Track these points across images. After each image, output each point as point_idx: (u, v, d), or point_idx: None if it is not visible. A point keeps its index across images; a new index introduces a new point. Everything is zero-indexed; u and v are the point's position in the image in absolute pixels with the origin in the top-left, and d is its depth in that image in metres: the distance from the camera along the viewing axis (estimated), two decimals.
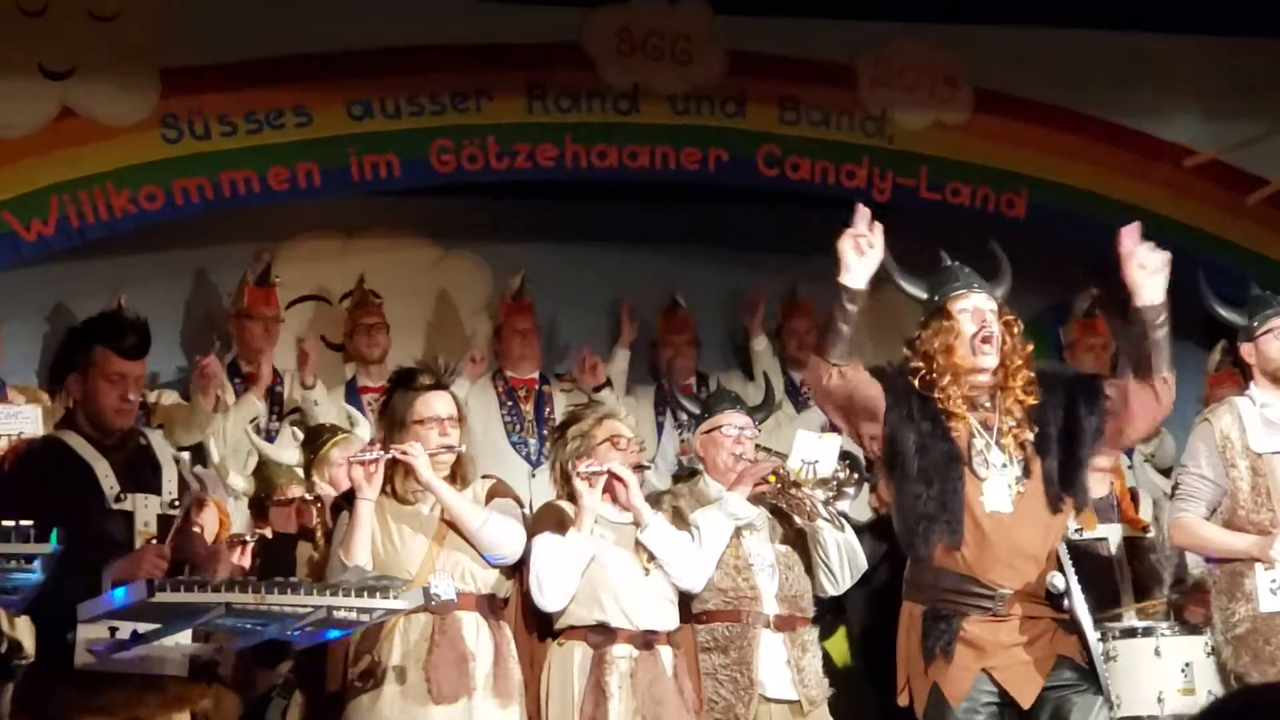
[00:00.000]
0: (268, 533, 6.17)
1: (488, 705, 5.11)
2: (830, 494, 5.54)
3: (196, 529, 5.09)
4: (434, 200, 8.49)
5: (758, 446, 5.89)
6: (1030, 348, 4.93)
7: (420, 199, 8.44)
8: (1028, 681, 4.79)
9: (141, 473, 4.89)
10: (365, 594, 4.47)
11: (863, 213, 4.71)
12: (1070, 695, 4.80)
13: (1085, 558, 5.94)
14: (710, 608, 5.59)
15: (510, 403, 7.93)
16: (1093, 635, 4.86)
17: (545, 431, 7.81)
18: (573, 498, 5.42)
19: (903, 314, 5.28)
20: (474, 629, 5.15)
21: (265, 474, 6.68)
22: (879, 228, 4.72)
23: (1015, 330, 4.92)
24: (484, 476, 5.44)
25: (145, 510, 4.81)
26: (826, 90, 8.40)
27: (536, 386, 8.00)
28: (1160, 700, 5.76)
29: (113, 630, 4.49)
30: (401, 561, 5.13)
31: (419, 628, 5.11)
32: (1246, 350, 5.71)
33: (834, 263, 4.75)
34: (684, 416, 8.02)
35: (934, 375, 4.84)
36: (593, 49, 8.20)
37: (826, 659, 5.87)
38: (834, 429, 7.02)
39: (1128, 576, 6.45)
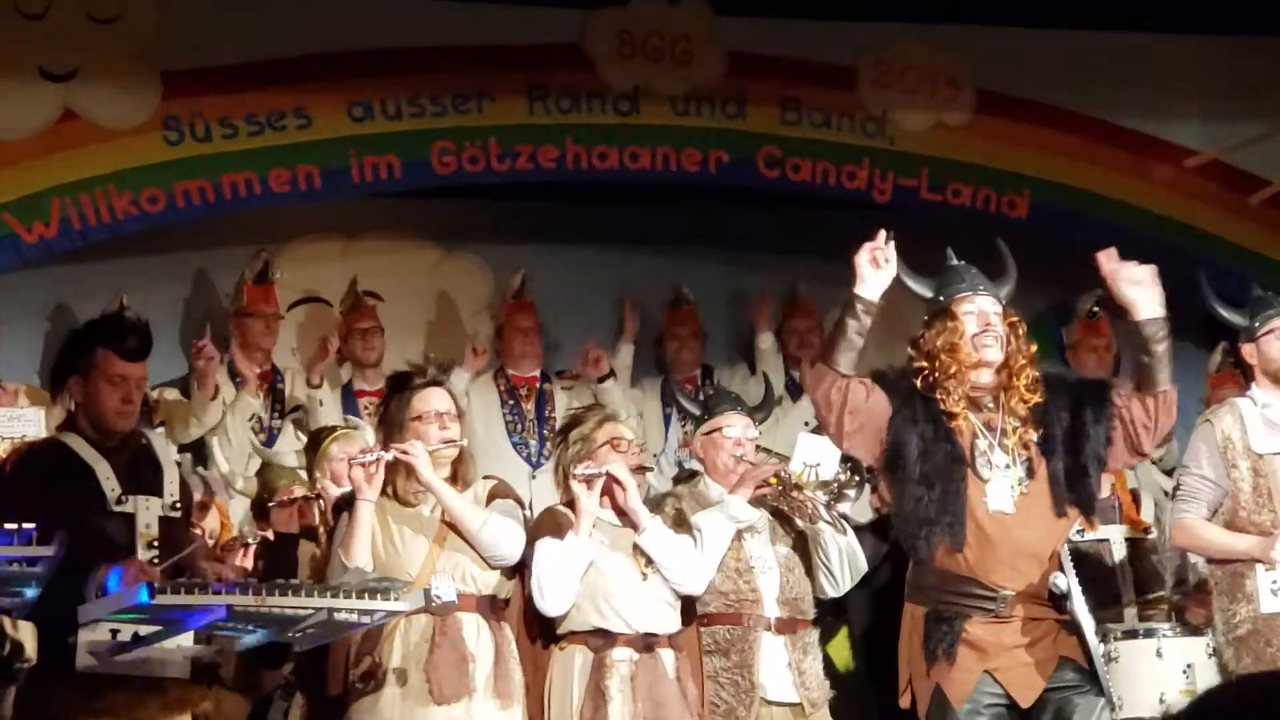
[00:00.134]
0: (269, 534, 6.17)
1: (488, 706, 5.11)
2: (831, 496, 5.54)
3: (197, 532, 5.09)
4: (435, 202, 8.50)
5: (758, 448, 5.89)
6: (1034, 348, 4.94)
7: (421, 200, 8.45)
8: (1029, 683, 4.79)
9: (143, 475, 4.89)
10: (366, 596, 4.47)
11: (883, 234, 4.73)
12: (1072, 696, 4.81)
13: (1086, 559, 5.94)
14: (711, 610, 5.59)
15: (511, 401, 7.93)
16: (1093, 637, 4.86)
17: (546, 431, 7.81)
18: (574, 501, 5.43)
19: (908, 313, 5.27)
20: (474, 630, 5.16)
21: (266, 475, 6.69)
22: (893, 244, 4.74)
23: (1020, 331, 4.92)
24: (485, 477, 5.44)
25: (146, 512, 4.81)
26: (827, 91, 8.41)
27: (538, 385, 8.01)
28: (1162, 701, 5.75)
29: (114, 632, 4.49)
30: (402, 563, 5.12)
31: (419, 629, 5.11)
32: (1248, 351, 5.71)
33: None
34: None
35: (937, 375, 4.84)
36: (593, 50, 8.20)
37: (828, 661, 5.87)
38: None
39: (1129, 578, 6.44)
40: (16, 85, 7.57)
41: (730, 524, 5.58)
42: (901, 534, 4.92)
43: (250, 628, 4.48)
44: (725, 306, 8.78)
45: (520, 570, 5.35)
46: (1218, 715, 2.38)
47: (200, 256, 8.33)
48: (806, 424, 6.74)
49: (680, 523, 5.59)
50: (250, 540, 6.09)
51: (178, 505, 4.90)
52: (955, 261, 5.02)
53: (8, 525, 4.14)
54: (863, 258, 4.73)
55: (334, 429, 6.41)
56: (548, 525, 5.42)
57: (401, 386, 5.31)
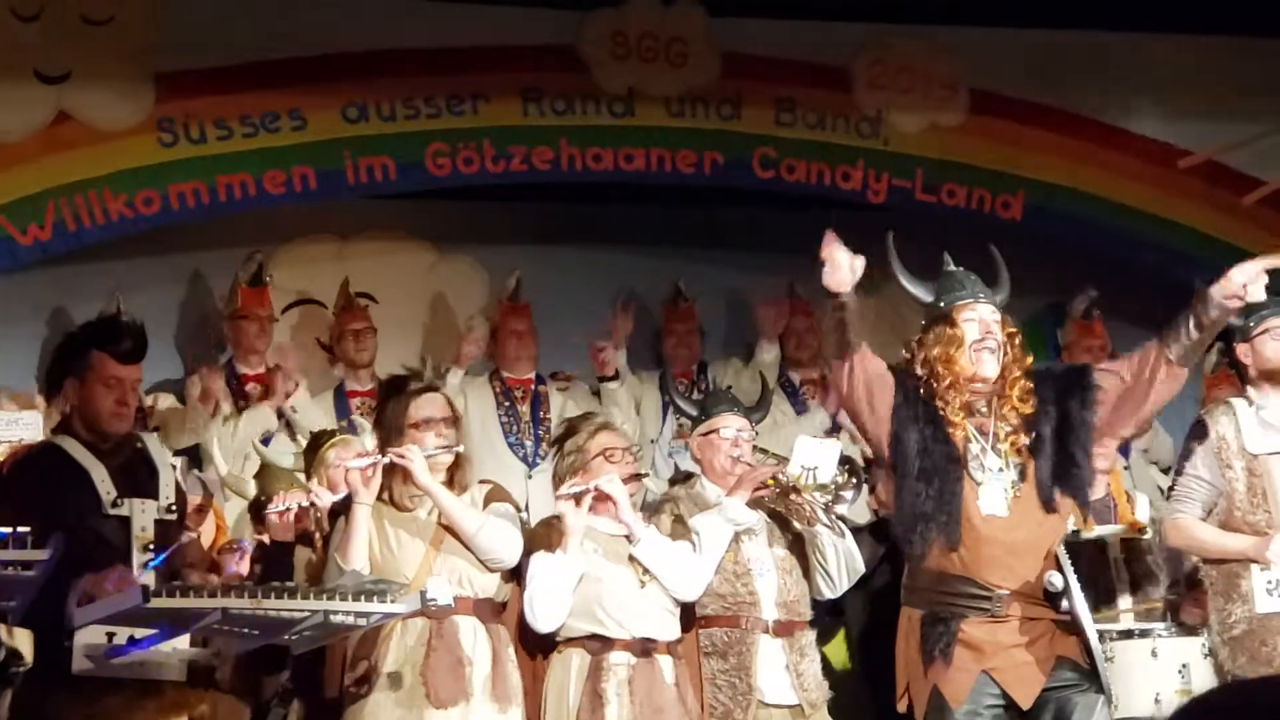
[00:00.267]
0: (265, 538, 6.17)
1: (485, 709, 5.11)
2: (828, 498, 5.54)
3: (192, 534, 5.09)
4: (430, 203, 8.49)
5: (755, 448, 5.89)
6: (1030, 359, 4.95)
7: (416, 202, 8.44)
8: (1028, 682, 4.80)
9: (139, 477, 4.89)
10: (362, 598, 4.47)
11: (829, 239, 4.69)
12: (1071, 695, 4.81)
13: (1082, 559, 5.94)
14: (709, 613, 5.58)
15: (507, 403, 7.93)
16: (1093, 633, 4.86)
17: (541, 432, 7.81)
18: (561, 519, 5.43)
19: (908, 313, 5.26)
20: (471, 633, 5.16)
21: (265, 479, 6.68)
22: (859, 260, 4.68)
23: (1017, 341, 4.93)
24: (481, 481, 5.44)
25: (142, 515, 4.80)
26: (822, 92, 8.40)
27: (533, 387, 8.00)
28: (1157, 701, 5.76)
29: (110, 635, 4.49)
30: (398, 566, 5.13)
31: (416, 632, 5.11)
32: (1243, 351, 5.71)
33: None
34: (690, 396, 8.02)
35: (935, 383, 4.85)
36: (588, 52, 8.20)
37: (825, 663, 5.87)
38: (834, 432, 7.05)
39: (1125, 577, 6.45)
40: (11, 87, 7.56)
41: (728, 526, 5.58)
42: (898, 530, 4.93)
43: (246, 630, 4.48)
44: (723, 307, 8.78)
45: (517, 574, 5.35)
46: (1214, 716, 2.39)
47: (195, 258, 8.32)
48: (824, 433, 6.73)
49: (679, 529, 5.58)
50: (246, 543, 6.08)
51: (173, 508, 4.90)
52: (953, 267, 5.02)
53: (3, 529, 4.14)
54: (825, 270, 4.68)
55: (333, 434, 6.40)
56: (543, 539, 5.42)
57: (398, 391, 5.31)
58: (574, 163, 8.22)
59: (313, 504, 5.72)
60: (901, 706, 4.92)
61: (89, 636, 4.52)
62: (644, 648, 5.34)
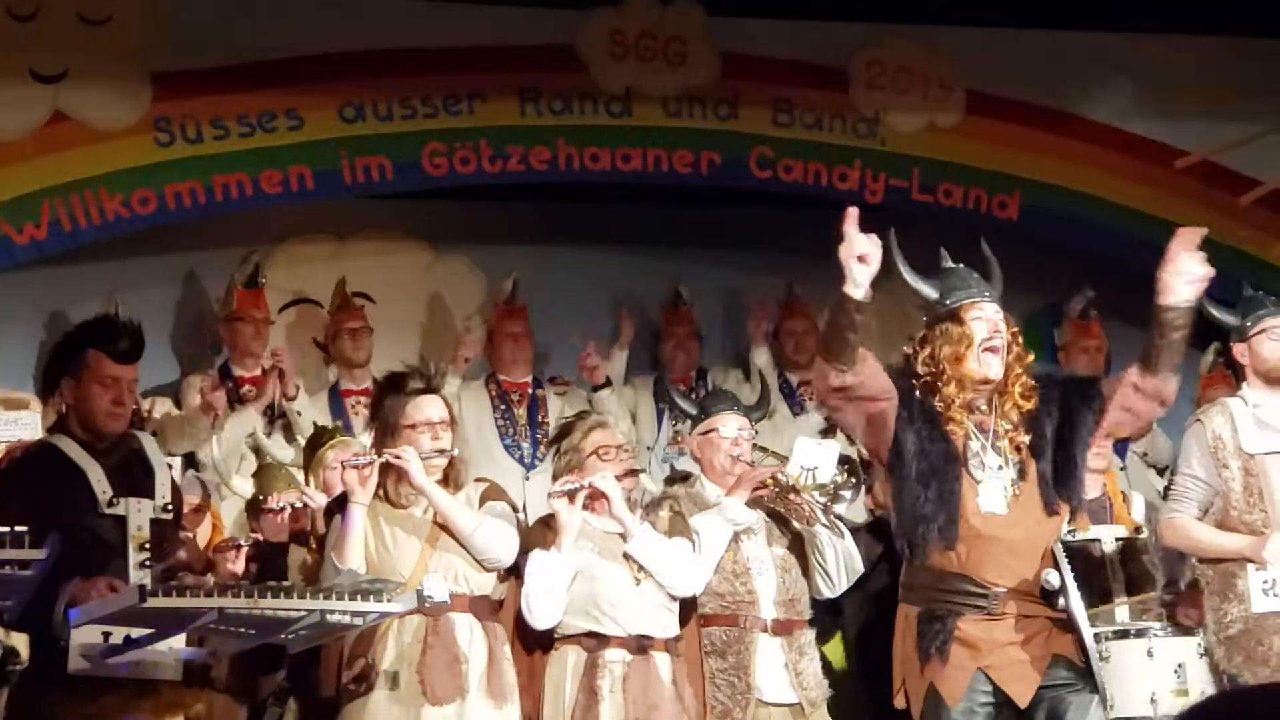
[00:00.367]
0: (261, 537, 6.17)
1: (481, 706, 5.12)
2: (827, 498, 5.55)
3: (188, 535, 5.08)
4: (426, 203, 8.49)
5: (755, 446, 5.89)
6: (1031, 357, 4.95)
7: (413, 202, 8.44)
8: (1024, 680, 4.80)
9: (134, 477, 4.88)
10: (358, 597, 4.47)
11: (851, 214, 4.67)
12: (1066, 694, 4.81)
13: (1078, 559, 5.92)
14: (708, 612, 5.60)
15: (503, 406, 7.92)
16: (1088, 633, 4.86)
17: (540, 435, 7.81)
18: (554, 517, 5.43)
19: (911, 310, 5.26)
20: (467, 631, 5.16)
21: (263, 477, 6.68)
22: (875, 236, 4.68)
23: (1019, 339, 4.94)
24: (477, 480, 5.45)
25: (138, 514, 4.80)
26: (819, 92, 8.41)
27: (529, 390, 8.00)
28: (1153, 701, 5.74)
29: (106, 635, 4.49)
30: (394, 564, 5.13)
31: (412, 630, 5.11)
32: (1239, 350, 5.71)
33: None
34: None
35: (938, 381, 4.84)
36: (585, 51, 8.19)
37: (824, 662, 5.87)
38: (831, 433, 7.05)
39: (1120, 578, 6.43)
40: (7, 86, 7.55)
41: (727, 526, 5.59)
42: (897, 531, 4.93)
43: (242, 629, 4.48)
44: (720, 308, 8.77)
45: (514, 571, 5.36)
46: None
47: (192, 258, 8.31)
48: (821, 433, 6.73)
49: (676, 525, 5.59)
50: (242, 542, 6.09)
51: (169, 507, 4.90)
52: (953, 264, 5.01)
53: (0, 528, 4.14)
54: (847, 260, 4.66)
55: (333, 434, 6.40)
56: (539, 538, 5.43)
57: (396, 390, 5.31)
58: (571, 163, 8.21)
59: (306, 504, 5.73)
60: (898, 703, 4.93)
61: (85, 636, 4.51)
62: (640, 645, 5.35)
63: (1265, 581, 5.47)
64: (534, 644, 5.43)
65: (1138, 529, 6.52)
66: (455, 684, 5.08)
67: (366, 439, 6.18)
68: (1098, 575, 6.27)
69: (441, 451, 5.21)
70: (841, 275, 4.67)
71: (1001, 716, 4.83)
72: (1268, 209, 8.71)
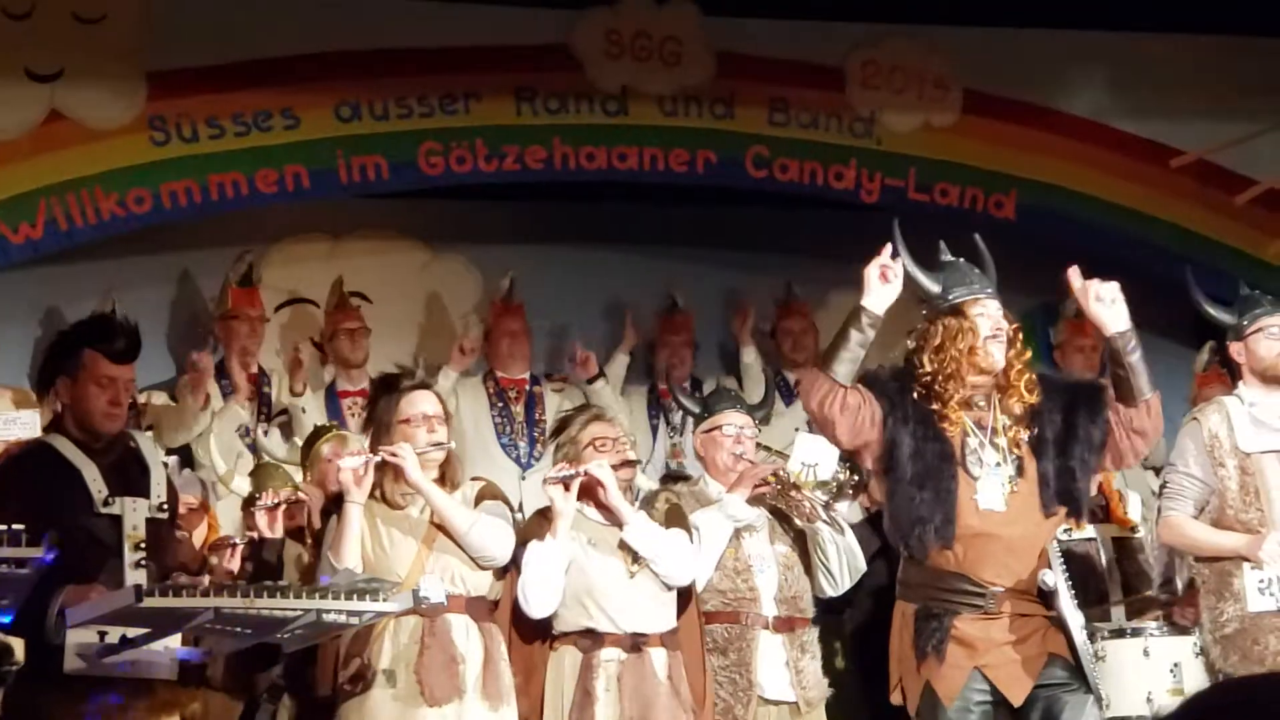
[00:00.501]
0: (256, 535, 6.16)
1: (478, 707, 5.11)
2: (829, 495, 5.56)
3: (184, 534, 5.08)
4: (423, 202, 8.48)
5: (758, 445, 5.89)
6: (1029, 353, 4.95)
7: (409, 201, 8.43)
8: (1019, 680, 4.80)
9: (130, 476, 4.88)
10: (354, 597, 4.47)
11: (889, 247, 4.74)
12: (1061, 694, 4.81)
13: (1074, 558, 5.94)
14: (709, 609, 5.60)
15: (501, 404, 7.92)
16: (1080, 634, 4.86)
17: (536, 433, 7.80)
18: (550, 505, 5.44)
19: (914, 308, 5.26)
20: (464, 631, 5.16)
21: (259, 476, 6.68)
22: (900, 260, 4.74)
23: (1019, 335, 4.94)
24: (473, 479, 5.44)
25: (134, 514, 4.79)
26: (815, 92, 8.40)
27: (527, 388, 7.99)
28: (1149, 700, 5.76)
29: (102, 635, 4.48)
30: (391, 565, 5.12)
31: (408, 630, 5.11)
32: (1236, 349, 5.72)
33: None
34: (676, 420, 8.01)
35: (943, 377, 4.83)
36: (581, 51, 8.19)
37: (825, 660, 5.87)
38: None
39: (1116, 576, 6.45)
40: (2, 85, 7.54)
41: (728, 523, 5.60)
42: (894, 534, 4.92)
43: (238, 629, 4.47)
44: (718, 307, 8.76)
45: (510, 571, 5.35)
46: (1209, 716, 2.39)
47: (187, 257, 8.30)
48: (797, 429, 6.73)
49: (673, 515, 5.59)
50: (238, 541, 6.08)
51: (164, 506, 4.89)
52: (950, 256, 5.01)
53: None
54: (872, 271, 4.73)
55: (329, 429, 6.40)
56: (535, 529, 5.43)
57: (389, 389, 5.32)
58: (567, 162, 8.21)
59: (301, 500, 5.73)
60: (895, 699, 4.93)
61: (81, 636, 4.51)
62: (634, 642, 5.35)
63: (1261, 580, 5.47)
64: (531, 645, 5.42)
65: (1134, 528, 6.53)
66: (452, 685, 5.07)
67: (363, 439, 6.19)
68: (1094, 574, 6.29)
69: (438, 445, 5.21)
70: (858, 286, 4.70)
71: (997, 715, 4.83)
72: (1263, 208, 8.71)
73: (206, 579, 5.17)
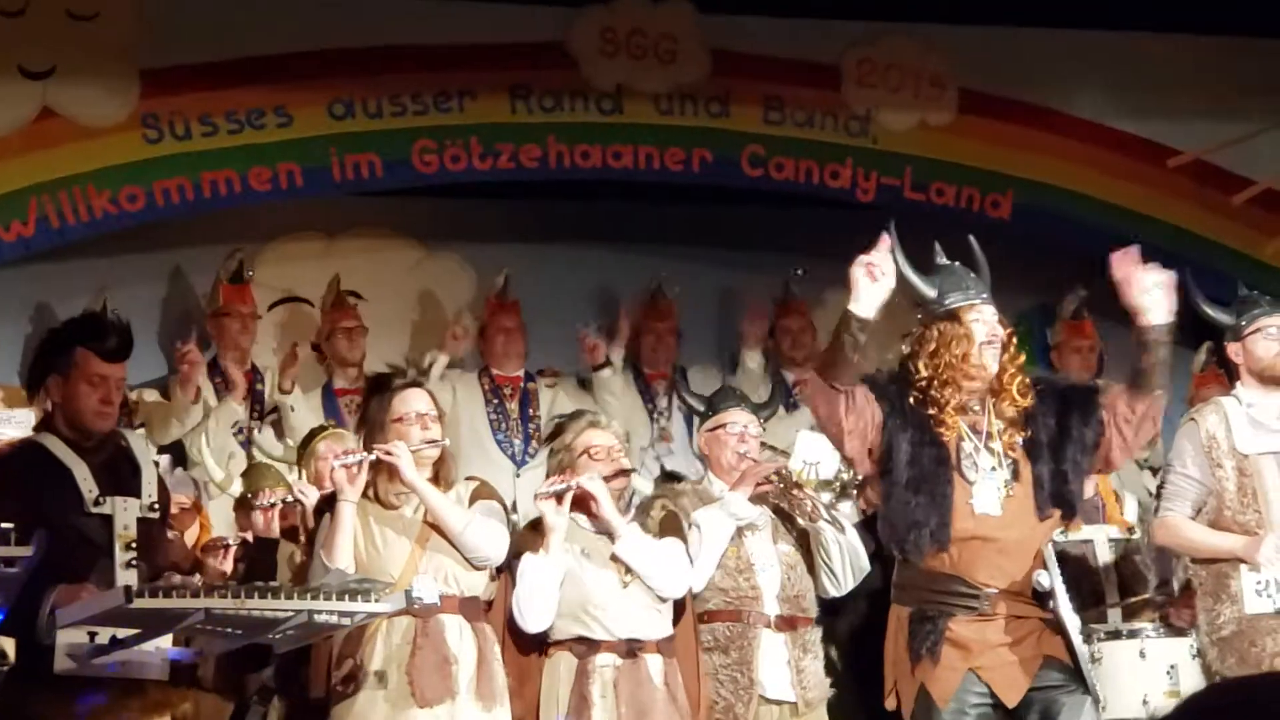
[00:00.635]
0: (249, 536, 6.15)
1: (471, 708, 5.10)
2: (834, 495, 5.55)
3: (176, 534, 5.06)
4: (417, 201, 8.47)
5: (763, 444, 5.87)
6: (1023, 357, 4.94)
7: (403, 199, 8.42)
8: (1014, 681, 4.79)
9: (121, 475, 4.85)
10: (346, 597, 4.45)
11: (883, 243, 4.67)
12: (1058, 696, 4.80)
13: (1070, 560, 5.92)
14: (711, 608, 5.60)
15: (495, 400, 7.90)
16: (1077, 636, 4.85)
17: (531, 430, 7.79)
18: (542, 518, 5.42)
19: (906, 305, 5.23)
20: (457, 632, 5.14)
21: (252, 476, 6.66)
22: (889, 255, 4.67)
23: (1013, 340, 4.92)
24: (468, 478, 5.43)
25: (124, 513, 4.77)
26: (811, 90, 8.39)
27: (521, 384, 7.98)
28: (1145, 702, 5.74)
29: (92, 635, 4.46)
30: (384, 565, 5.10)
31: (401, 631, 5.09)
32: (1234, 350, 5.70)
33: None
34: (663, 405, 7.98)
35: (939, 382, 4.81)
36: (576, 49, 8.17)
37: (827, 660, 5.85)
38: None
39: (1113, 578, 6.43)
40: None
41: (730, 521, 5.59)
42: (889, 537, 4.91)
43: (229, 630, 4.45)
44: (715, 306, 8.75)
45: (504, 572, 5.34)
46: (1206, 717, 2.36)
47: (180, 255, 8.28)
48: (798, 431, 6.71)
49: (668, 523, 5.57)
50: (230, 542, 6.06)
51: (155, 506, 4.87)
52: (946, 260, 4.98)
53: None
54: (858, 272, 4.67)
55: (325, 427, 6.38)
56: (528, 542, 5.42)
57: (381, 388, 5.30)
58: (562, 160, 8.19)
59: (297, 500, 5.71)
60: (890, 704, 4.92)
61: (71, 636, 4.49)
62: (629, 649, 5.33)
63: (1259, 583, 5.45)
64: (525, 646, 5.41)
65: (1130, 529, 6.51)
66: (445, 686, 5.05)
67: (358, 438, 6.17)
68: (1090, 576, 6.27)
69: (432, 442, 5.19)
70: (846, 287, 4.66)
71: (993, 717, 4.82)
72: (1261, 208, 8.70)
73: (198, 579, 5.16)
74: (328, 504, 5.24)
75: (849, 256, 4.92)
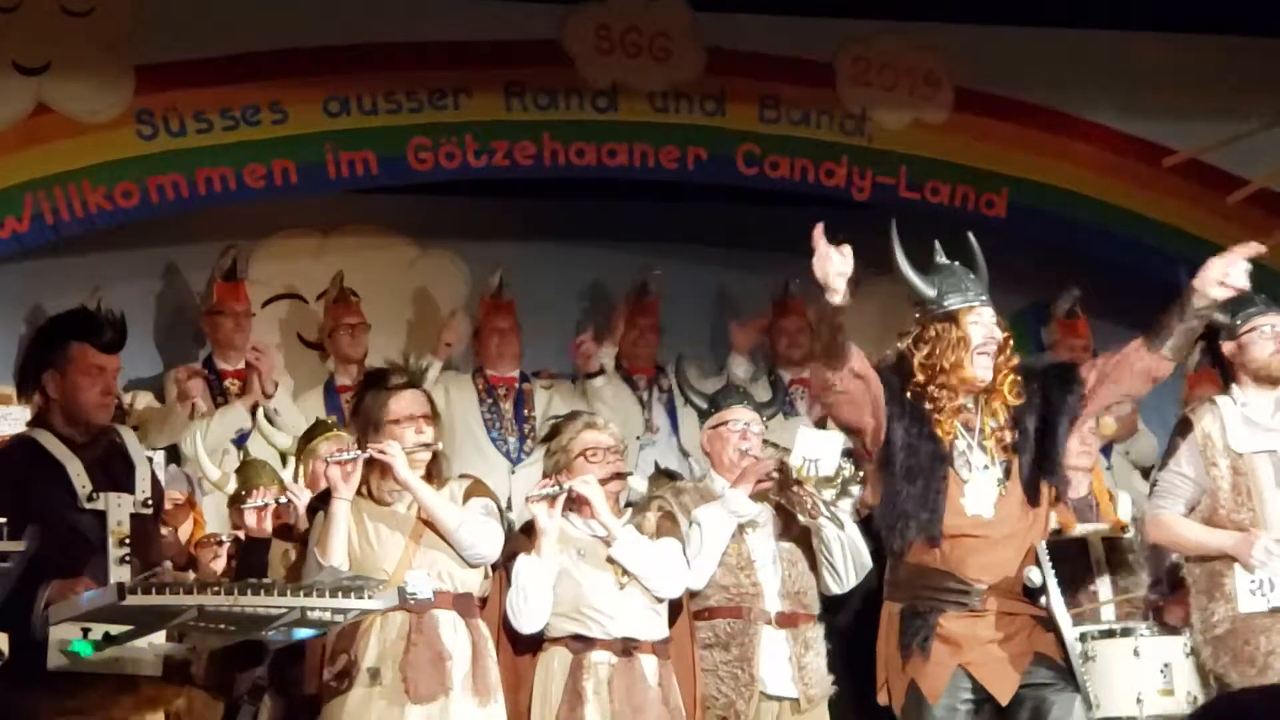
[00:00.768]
0: (243, 533, 6.14)
1: (465, 704, 5.10)
2: (835, 491, 5.57)
3: (169, 530, 5.06)
4: (411, 198, 8.46)
5: (766, 442, 5.88)
6: (1016, 359, 4.94)
7: (398, 197, 8.41)
8: (1005, 678, 4.79)
9: (115, 471, 4.85)
10: (339, 594, 4.45)
11: (819, 231, 4.64)
12: (1049, 694, 4.81)
13: (1064, 558, 5.92)
14: (712, 604, 5.62)
15: (490, 400, 7.90)
16: (1070, 633, 4.85)
17: (526, 430, 7.79)
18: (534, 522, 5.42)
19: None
20: (451, 628, 5.14)
21: (246, 473, 6.65)
22: (845, 247, 4.64)
23: (1009, 343, 4.92)
24: (461, 476, 5.43)
25: (118, 509, 4.76)
26: (806, 88, 8.39)
27: (516, 385, 7.97)
28: (1139, 701, 5.74)
29: (85, 631, 4.46)
30: (378, 561, 5.11)
31: (395, 627, 5.10)
32: (1229, 349, 5.70)
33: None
34: (646, 397, 7.98)
35: (934, 384, 4.82)
36: (571, 46, 8.17)
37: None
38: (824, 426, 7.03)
39: (1106, 576, 6.43)
40: None
41: (730, 518, 5.60)
42: (880, 525, 4.92)
43: (223, 627, 4.45)
44: (710, 305, 8.75)
45: (499, 569, 5.34)
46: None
47: (175, 252, 8.28)
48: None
49: (664, 524, 5.58)
50: (224, 539, 6.06)
51: (149, 502, 4.86)
52: (945, 259, 4.98)
53: None
54: (819, 273, 4.61)
55: (329, 426, 6.37)
56: (523, 544, 5.43)
57: (377, 385, 5.30)
58: (557, 158, 8.19)
59: (290, 500, 5.71)
60: (881, 699, 4.92)
61: (64, 632, 4.48)
62: (625, 647, 5.34)
63: (1253, 581, 5.46)
64: (520, 643, 5.42)
65: (1124, 527, 6.52)
66: (439, 682, 5.06)
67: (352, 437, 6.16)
68: (1083, 573, 6.27)
69: (426, 446, 5.20)
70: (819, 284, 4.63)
71: (982, 714, 4.83)
72: (1256, 208, 8.70)
73: (191, 576, 5.16)
74: (321, 501, 5.24)
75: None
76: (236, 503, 6.44)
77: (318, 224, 8.53)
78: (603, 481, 5.45)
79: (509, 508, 7.08)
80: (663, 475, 6.83)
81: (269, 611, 4.39)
